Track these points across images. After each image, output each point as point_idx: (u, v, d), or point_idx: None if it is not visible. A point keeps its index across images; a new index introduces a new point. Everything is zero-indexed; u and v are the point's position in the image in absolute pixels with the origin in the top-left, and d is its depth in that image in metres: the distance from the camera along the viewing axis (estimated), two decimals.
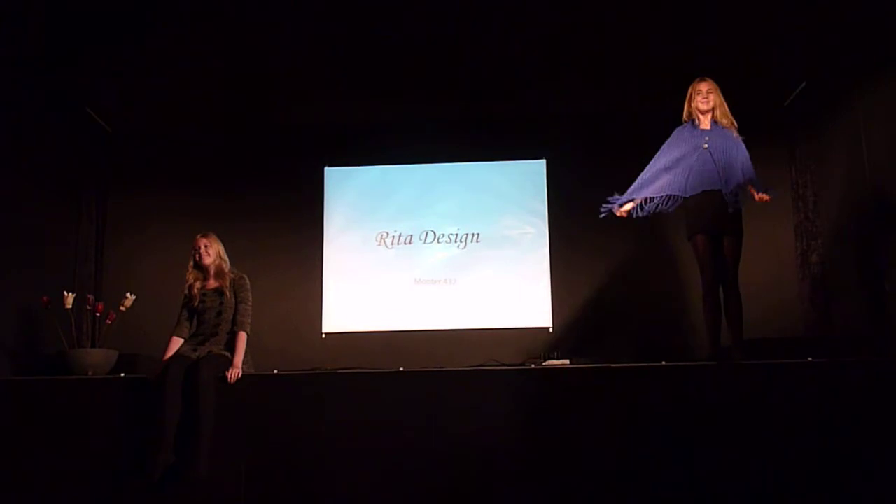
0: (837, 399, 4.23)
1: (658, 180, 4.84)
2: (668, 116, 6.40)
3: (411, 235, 6.65)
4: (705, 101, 4.76)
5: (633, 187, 4.93)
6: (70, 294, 5.10)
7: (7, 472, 4.33)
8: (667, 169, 4.83)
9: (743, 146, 4.73)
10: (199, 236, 4.72)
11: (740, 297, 4.64)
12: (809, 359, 4.41)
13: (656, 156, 4.94)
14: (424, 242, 6.63)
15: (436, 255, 6.61)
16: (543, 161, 6.66)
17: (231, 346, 4.54)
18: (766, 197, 4.63)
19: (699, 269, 4.73)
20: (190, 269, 4.69)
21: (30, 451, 4.36)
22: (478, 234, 6.62)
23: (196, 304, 4.61)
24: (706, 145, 4.70)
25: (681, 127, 4.89)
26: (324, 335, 6.45)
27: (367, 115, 6.51)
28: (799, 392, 4.26)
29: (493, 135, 6.67)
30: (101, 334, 5.31)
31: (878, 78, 5.05)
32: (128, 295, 5.31)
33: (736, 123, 4.79)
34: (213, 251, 4.68)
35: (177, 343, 4.58)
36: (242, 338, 4.57)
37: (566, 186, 6.53)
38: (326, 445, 4.37)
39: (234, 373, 4.39)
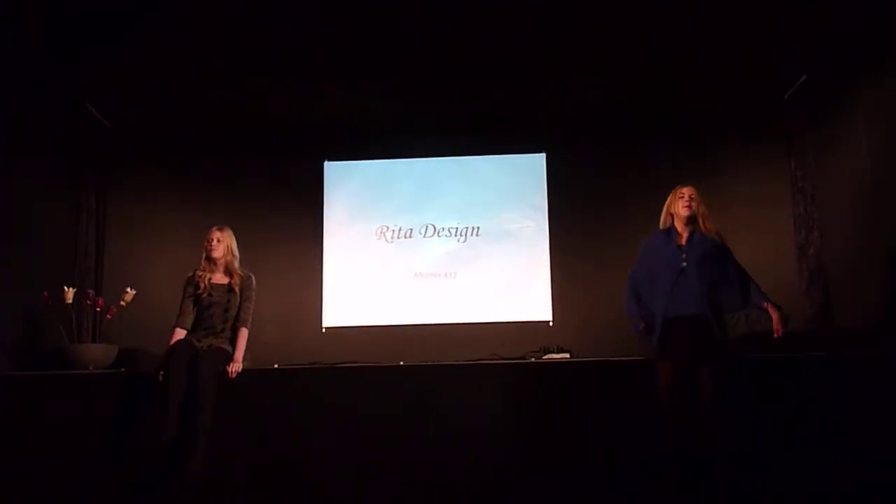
0: (836, 393, 4.24)
1: (643, 303, 4.32)
2: (667, 110, 6.46)
3: (411, 229, 6.65)
4: (687, 207, 4.30)
5: (628, 305, 4.40)
6: (70, 289, 5.10)
7: (8, 468, 4.34)
8: (650, 288, 4.30)
9: (729, 256, 4.26)
10: (214, 228, 4.76)
11: (725, 433, 3.98)
12: (809, 352, 4.42)
13: (636, 267, 4.46)
14: (424, 236, 6.64)
15: (436, 248, 6.61)
16: (543, 155, 6.65)
17: (232, 342, 4.55)
18: (777, 328, 4.15)
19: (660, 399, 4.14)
20: (203, 261, 4.71)
21: (31, 446, 4.37)
22: (478, 227, 6.62)
23: (204, 296, 4.60)
24: (684, 264, 4.17)
25: (654, 236, 4.45)
26: (324, 329, 6.46)
27: (366, 109, 6.49)
28: (798, 386, 4.27)
29: (493, 129, 6.66)
30: (102, 329, 5.31)
31: (878, 72, 5.05)
32: (128, 290, 5.32)
33: (718, 232, 4.33)
34: (223, 246, 4.70)
35: (180, 335, 4.56)
36: (244, 334, 4.59)
37: (566, 180, 6.53)
38: (327, 439, 4.39)
39: (235, 367, 4.41)
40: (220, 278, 4.68)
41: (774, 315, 4.18)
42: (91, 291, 5.48)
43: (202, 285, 4.61)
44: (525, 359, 4.97)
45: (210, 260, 4.69)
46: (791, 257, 6.18)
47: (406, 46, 5.51)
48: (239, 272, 4.72)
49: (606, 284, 6.25)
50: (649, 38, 5.40)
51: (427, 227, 6.64)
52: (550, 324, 6.32)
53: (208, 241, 4.70)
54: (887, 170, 4.95)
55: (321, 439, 4.40)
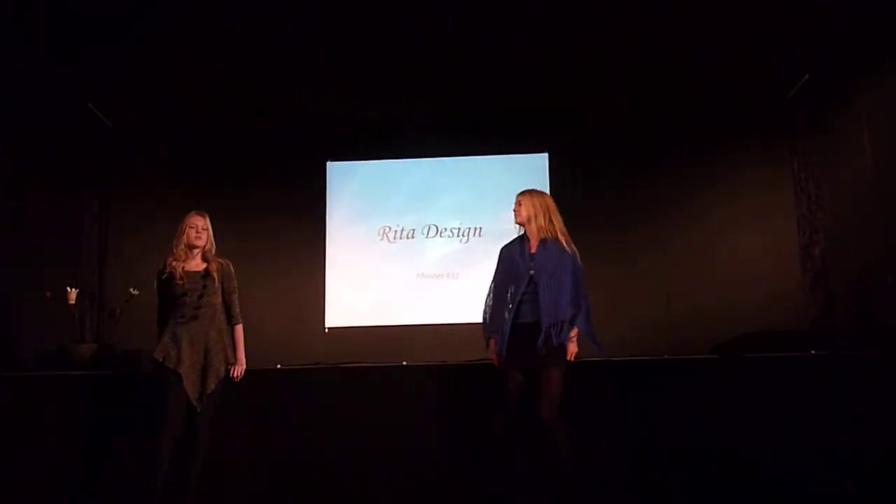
0: (840, 392, 4.23)
1: (496, 315, 4.17)
2: (669, 110, 6.46)
3: (413, 230, 6.65)
4: (516, 213, 4.20)
5: (485, 320, 4.29)
6: (73, 289, 5.10)
7: (8, 468, 4.34)
8: (500, 300, 4.16)
9: (571, 267, 4.03)
10: (195, 214, 4.34)
11: (561, 439, 3.81)
12: (812, 352, 4.41)
13: (493, 279, 4.30)
14: (427, 237, 6.64)
15: (438, 249, 6.62)
16: (545, 155, 6.65)
17: (218, 331, 4.28)
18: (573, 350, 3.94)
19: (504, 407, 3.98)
20: (180, 249, 4.26)
21: (31, 446, 4.37)
22: (480, 228, 6.62)
23: (179, 284, 4.20)
24: (532, 272, 4.03)
25: (510, 244, 4.28)
26: (327, 329, 6.46)
27: (369, 109, 6.50)
28: (801, 385, 4.26)
29: (496, 129, 6.67)
30: (104, 330, 5.31)
31: (880, 72, 5.04)
32: (131, 290, 5.31)
33: (565, 234, 4.14)
34: (207, 234, 4.33)
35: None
36: (240, 330, 4.35)
37: (568, 180, 6.52)
38: (329, 439, 4.39)
39: (240, 370, 4.31)
40: (194, 265, 4.31)
41: (571, 349, 3.95)
42: (94, 292, 5.48)
43: (177, 274, 4.20)
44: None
45: (190, 248, 4.28)
46: (794, 258, 6.17)
47: (406, 46, 5.51)
48: (217, 259, 4.35)
49: (608, 284, 6.25)
50: (649, 38, 5.40)
51: (429, 227, 6.64)
52: None
53: (192, 229, 4.27)
54: (890, 169, 4.94)
55: (324, 439, 4.40)
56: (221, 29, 5.21)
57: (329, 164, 6.77)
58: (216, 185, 6.61)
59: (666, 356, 4.59)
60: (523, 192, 4.25)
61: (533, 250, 4.11)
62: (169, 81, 5.90)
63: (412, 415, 4.41)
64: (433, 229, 6.64)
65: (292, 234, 6.63)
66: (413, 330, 6.37)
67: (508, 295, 4.08)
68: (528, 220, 4.15)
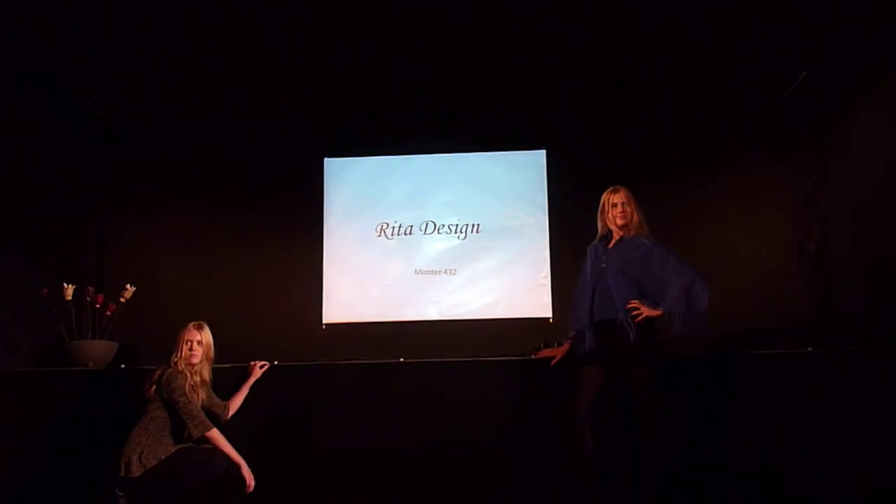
0: (837, 388, 4.23)
1: (574, 318, 4.16)
2: (668, 107, 6.45)
3: (411, 226, 6.64)
4: (622, 214, 4.09)
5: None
6: (70, 286, 5.10)
7: (7, 465, 4.34)
8: (577, 301, 4.16)
9: (655, 254, 4.00)
10: (192, 327, 4.08)
11: (659, 450, 3.87)
12: (809, 349, 4.41)
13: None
14: (425, 233, 6.63)
15: (436, 245, 6.61)
16: (543, 151, 6.65)
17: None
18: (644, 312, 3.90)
19: (573, 399, 3.96)
20: (180, 361, 4.01)
21: (29, 442, 4.37)
22: (478, 224, 6.61)
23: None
24: (604, 265, 4.04)
25: (593, 244, 4.23)
26: (324, 326, 6.46)
27: (366, 105, 6.49)
28: (798, 382, 4.26)
29: (494, 125, 6.67)
30: (102, 326, 5.31)
31: (879, 68, 5.04)
32: (127, 286, 5.31)
33: (646, 230, 4.11)
34: (203, 349, 4.08)
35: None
36: None
37: (566, 176, 6.52)
38: (326, 436, 4.39)
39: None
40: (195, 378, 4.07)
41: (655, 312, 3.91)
42: (91, 288, 5.47)
43: (186, 387, 3.95)
44: (525, 355, 4.96)
45: (189, 364, 4.03)
46: (792, 255, 6.18)
47: (405, 44, 5.50)
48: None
49: None
50: (649, 38, 5.40)
51: (427, 223, 6.63)
52: (551, 320, 6.31)
53: (186, 345, 4.02)
54: (889, 166, 4.94)
55: (320, 436, 4.40)
56: (221, 29, 5.20)
57: (326, 161, 6.76)
58: (215, 183, 6.63)
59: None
60: (621, 191, 4.17)
61: (610, 246, 4.12)
62: (169, 81, 5.90)
63: (410, 412, 4.41)
64: (431, 226, 6.64)
65: (290, 230, 6.62)
66: (411, 326, 6.37)
67: (588, 292, 4.07)
68: (631, 221, 4.11)
